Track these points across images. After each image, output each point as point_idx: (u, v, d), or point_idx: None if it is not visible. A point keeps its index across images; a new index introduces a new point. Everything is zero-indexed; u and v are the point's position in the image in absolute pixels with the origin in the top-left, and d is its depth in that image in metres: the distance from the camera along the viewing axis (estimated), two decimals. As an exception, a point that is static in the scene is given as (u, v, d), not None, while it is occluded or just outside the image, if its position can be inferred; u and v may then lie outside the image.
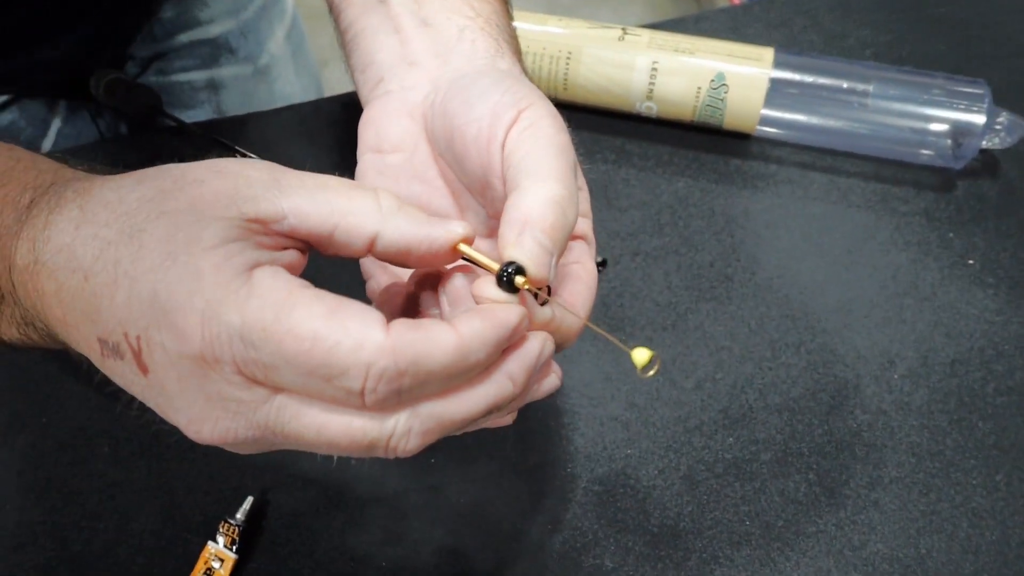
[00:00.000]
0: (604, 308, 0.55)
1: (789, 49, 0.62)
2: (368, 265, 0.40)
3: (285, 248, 0.31)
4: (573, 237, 0.36)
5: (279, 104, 0.79)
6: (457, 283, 0.33)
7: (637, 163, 0.62)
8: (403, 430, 0.29)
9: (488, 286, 0.31)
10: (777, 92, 0.60)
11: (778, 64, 0.60)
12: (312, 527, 0.47)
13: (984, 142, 0.60)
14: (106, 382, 0.31)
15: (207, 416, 0.29)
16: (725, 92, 0.60)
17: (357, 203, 0.31)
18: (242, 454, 0.31)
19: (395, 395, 0.28)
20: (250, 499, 0.46)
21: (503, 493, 0.48)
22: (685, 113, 0.62)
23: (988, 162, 0.62)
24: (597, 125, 0.64)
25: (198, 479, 0.48)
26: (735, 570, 0.46)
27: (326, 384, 0.28)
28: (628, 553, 0.47)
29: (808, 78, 0.60)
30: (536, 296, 0.31)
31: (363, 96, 0.42)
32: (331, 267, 0.34)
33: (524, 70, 0.41)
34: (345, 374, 0.27)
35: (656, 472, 0.49)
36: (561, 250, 0.32)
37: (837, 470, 0.50)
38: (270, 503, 0.48)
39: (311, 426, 0.29)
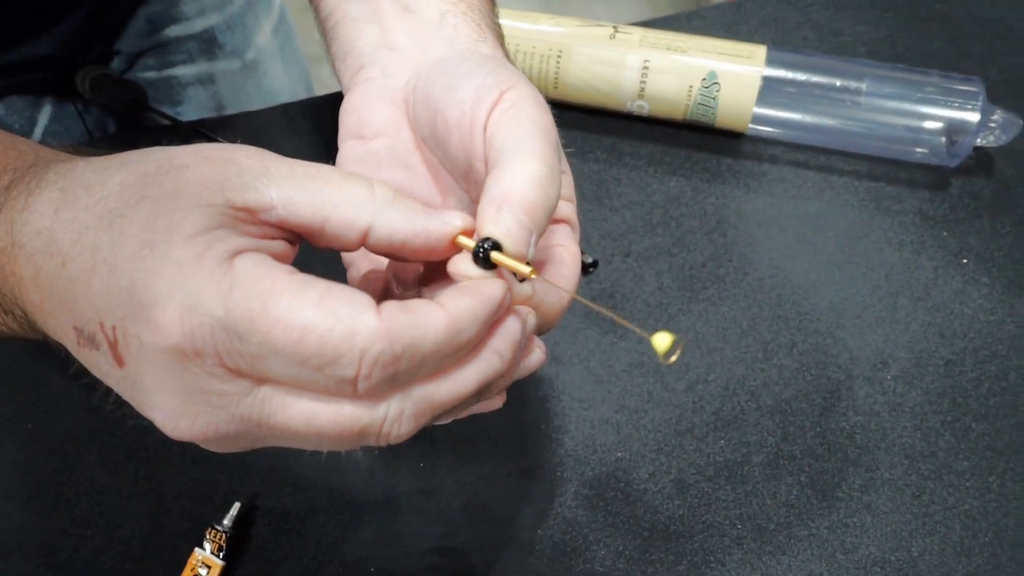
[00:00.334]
0: (596, 309, 0.55)
1: (782, 46, 0.61)
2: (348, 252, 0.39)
3: (273, 238, 0.30)
4: (556, 220, 0.36)
5: (268, 98, 0.78)
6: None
7: (628, 162, 0.62)
8: (395, 414, 0.28)
9: (464, 263, 0.30)
10: (770, 90, 0.60)
11: (771, 62, 0.59)
12: (301, 532, 0.47)
13: (978, 140, 0.60)
14: (83, 372, 0.30)
15: (186, 411, 0.28)
16: (717, 90, 0.59)
17: (350, 194, 0.30)
18: (222, 452, 0.30)
19: (389, 380, 0.27)
20: (237, 505, 0.46)
21: (494, 497, 0.48)
22: (677, 112, 0.61)
23: (982, 160, 0.62)
24: (588, 124, 0.63)
25: (187, 484, 0.48)
26: (726, 573, 0.46)
27: (317, 373, 0.27)
28: (619, 556, 0.47)
29: (801, 76, 0.60)
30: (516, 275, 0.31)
31: (344, 84, 0.42)
32: (305, 253, 0.34)
33: (507, 54, 0.40)
34: (338, 362, 0.26)
35: (647, 475, 0.49)
36: (542, 229, 0.31)
37: (829, 472, 0.49)
38: (259, 508, 0.47)
39: (298, 417, 0.28)
